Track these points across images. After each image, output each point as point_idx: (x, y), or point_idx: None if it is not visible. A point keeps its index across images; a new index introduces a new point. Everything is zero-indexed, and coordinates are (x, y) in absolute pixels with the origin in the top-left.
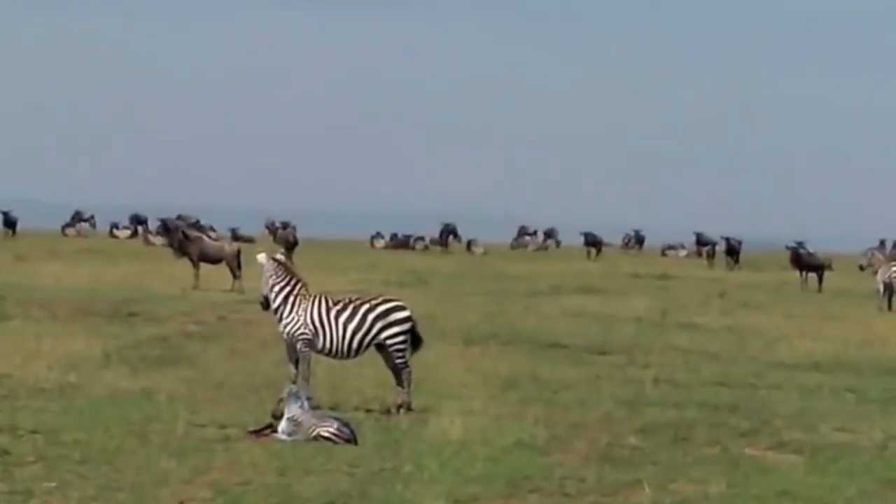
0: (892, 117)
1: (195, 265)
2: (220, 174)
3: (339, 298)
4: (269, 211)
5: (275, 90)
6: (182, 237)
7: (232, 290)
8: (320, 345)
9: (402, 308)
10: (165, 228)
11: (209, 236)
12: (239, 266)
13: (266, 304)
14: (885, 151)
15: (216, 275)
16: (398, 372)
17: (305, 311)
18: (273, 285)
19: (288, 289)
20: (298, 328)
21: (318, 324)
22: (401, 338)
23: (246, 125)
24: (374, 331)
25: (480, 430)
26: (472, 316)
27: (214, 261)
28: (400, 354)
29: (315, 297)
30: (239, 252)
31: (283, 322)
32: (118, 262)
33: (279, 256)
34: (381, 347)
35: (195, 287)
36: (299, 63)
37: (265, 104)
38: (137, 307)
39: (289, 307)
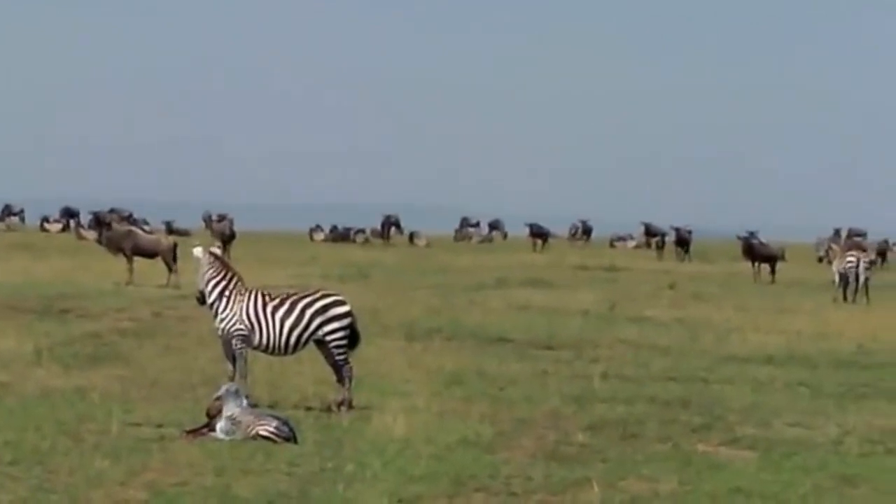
0: (845, 104)
1: (129, 260)
2: (155, 168)
3: (277, 293)
4: (205, 204)
5: (199, 81)
6: (113, 231)
7: (167, 286)
8: (257, 341)
9: (341, 303)
10: (98, 222)
11: (143, 230)
12: (175, 260)
13: (202, 299)
14: (838, 140)
15: (151, 270)
16: (338, 368)
17: (241, 306)
18: (209, 280)
19: (224, 283)
20: (234, 324)
21: (254, 320)
22: (340, 333)
23: (178, 118)
24: (313, 326)
25: (424, 427)
26: (414, 310)
27: (149, 255)
28: (340, 351)
29: (252, 292)
30: (175, 246)
31: (219, 318)
32: (49, 256)
33: (215, 250)
34: (320, 344)
35: (129, 283)
36: (227, 52)
37: (194, 95)
38: (70, 303)
39: (224, 302)
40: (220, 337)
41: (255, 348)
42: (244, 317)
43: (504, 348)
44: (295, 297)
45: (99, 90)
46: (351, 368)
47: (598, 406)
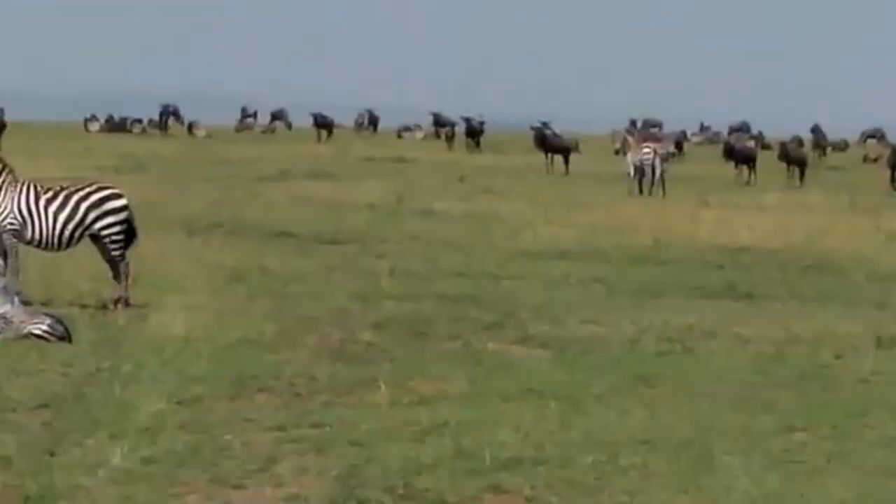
0: None
1: None
2: None
3: (50, 186)
4: None
5: None
6: None
7: None
8: (29, 236)
9: (117, 196)
10: None
11: None
12: None
13: None
14: (628, 31)
15: None
16: (114, 265)
17: (12, 199)
18: None
19: None
20: (5, 218)
21: (26, 213)
22: (116, 228)
23: None
24: (88, 221)
25: (204, 326)
26: (194, 204)
27: None
28: (116, 246)
29: (23, 184)
30: None
31: None
32: None
33: None
34: (95, 238)
35: None
36: None
37: None
38: None
39: None
40: None
41: (28, 243)
42: (15, 210)
43: (287, 243)
44: (69, 191)
45: None
46: (127, 265)
47: (386, 303)
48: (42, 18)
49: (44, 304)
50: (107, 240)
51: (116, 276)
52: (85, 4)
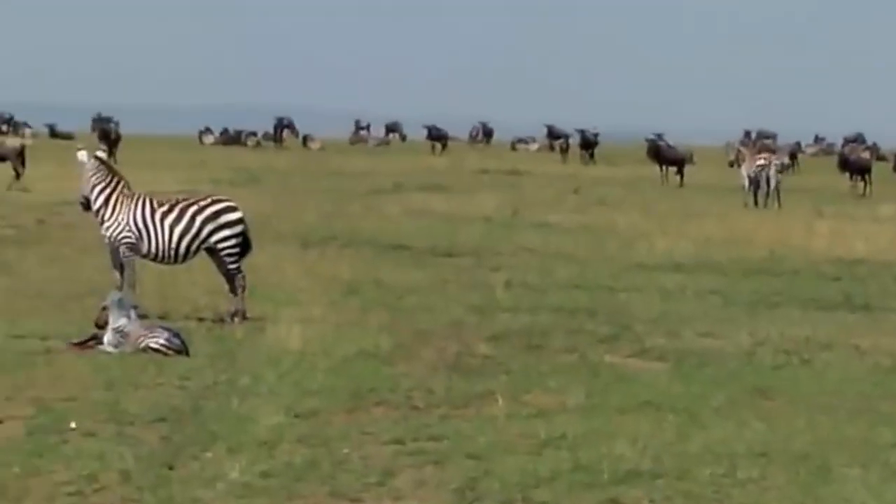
0: (751, 11)
1: None
2: (41, 68)
3: (165, 199)
4: (94, 107)
5: None
6: None
7: (10, 190)
8: (145, 249)
9: (233, 209)
10: None
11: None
12: (23, 164)
13: (87, 205)
14: (743, 43)
15: (35, 174)
16: (231, 278)
17: (128, 213)
18: (94, 186)
19: (109, 189)
20: (121, 231)
21: (142, 226)
22: (232, 241)
23: (74, 16)
24: (204, 234)
25: (320, 339)
26: (309, 216)
27: None
28: (232, 259)
29: (139, 197)
30: (22, 148)
31: (105, 225)
32: None
33: (100, 154)
34: (211, 251)
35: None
36: None
37: None
38: None
39: (110, 209)
40: (107, 245)
41: (144, 256)
42: (131, 223)
43: (402, 256)
44: (185, 203)
45: None
46: (244, 277)
47: (501, 316)
48: (155, 33)
49: (161, 318)
50: (223, 253)
51: (233, 289)
52: (200, 19)
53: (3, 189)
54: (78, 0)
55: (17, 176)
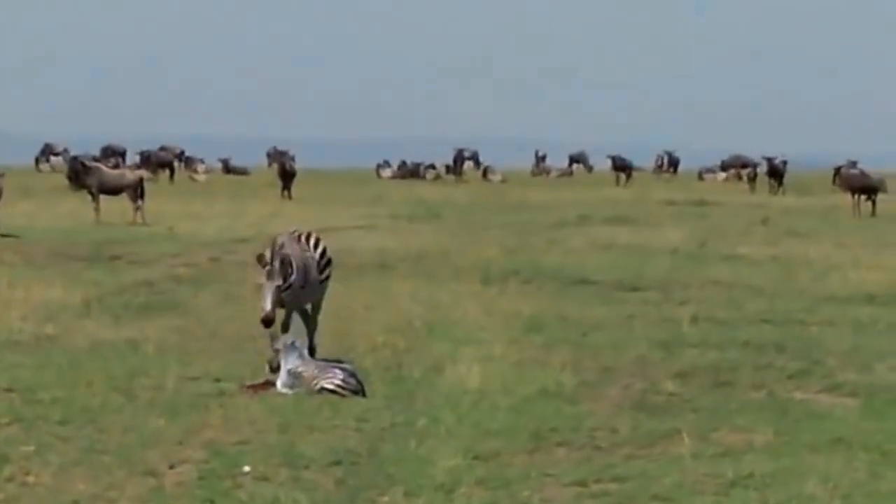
0: None
1: (94, 197)
2: (214, 102)
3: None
4: (269, 140)
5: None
6: (80, 168)
7: (133, 223)
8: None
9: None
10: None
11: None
12: (141, 196)
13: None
14: None
15: (208, 211)
16: (317, 313)
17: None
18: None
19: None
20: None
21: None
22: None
23: (237, 48)
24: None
25: (501, 377)
26: (489, 251)
27: (114, 191)
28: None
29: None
30: (140, 180)
31: None
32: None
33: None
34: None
35: (97, 221)
36: None
37: (257, 26)
38: (120, 249)
39: None
40: None
41: None
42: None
43: (586, 291)
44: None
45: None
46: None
47: (688, 351)
48: (332, 67)
49: (336, 358)
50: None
51: (314, 327)
52: (375, 50)
53: (176, 227)
54: (233, 41)
55: (136, 209)
